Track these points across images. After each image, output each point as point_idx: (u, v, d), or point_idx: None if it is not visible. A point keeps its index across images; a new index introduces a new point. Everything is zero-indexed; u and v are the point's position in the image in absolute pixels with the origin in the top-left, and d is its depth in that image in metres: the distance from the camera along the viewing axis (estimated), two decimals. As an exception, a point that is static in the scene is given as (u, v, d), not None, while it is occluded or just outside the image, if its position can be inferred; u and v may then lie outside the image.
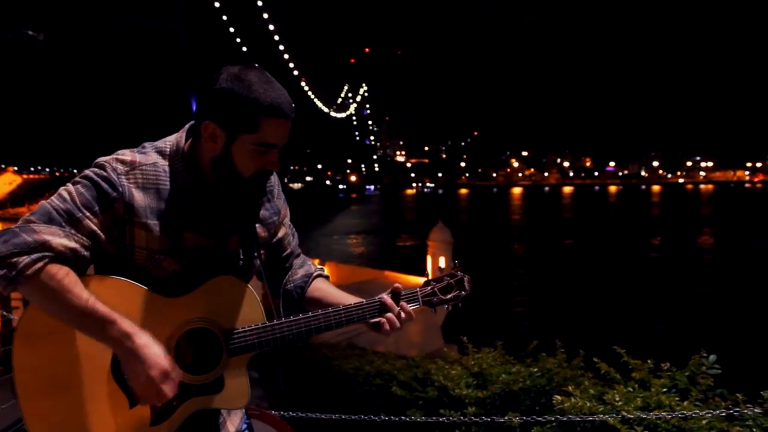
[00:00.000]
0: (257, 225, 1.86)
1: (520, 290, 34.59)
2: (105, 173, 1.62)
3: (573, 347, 3.85)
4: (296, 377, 7.93)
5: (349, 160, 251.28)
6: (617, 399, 2.76)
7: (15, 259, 1.48)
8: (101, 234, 1.60)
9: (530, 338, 4.24)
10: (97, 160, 1.66)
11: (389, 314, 1.85)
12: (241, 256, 1.82)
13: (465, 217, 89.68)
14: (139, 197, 1.63)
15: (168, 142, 1.74)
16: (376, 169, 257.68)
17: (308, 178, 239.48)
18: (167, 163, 1.70)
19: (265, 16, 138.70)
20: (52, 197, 1.60)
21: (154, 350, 1.53)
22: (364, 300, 1.87)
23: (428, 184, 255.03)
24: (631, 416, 2.59)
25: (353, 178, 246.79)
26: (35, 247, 1.50)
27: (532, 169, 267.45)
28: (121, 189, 1.62)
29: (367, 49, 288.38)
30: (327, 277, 2.06)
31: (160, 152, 1.71)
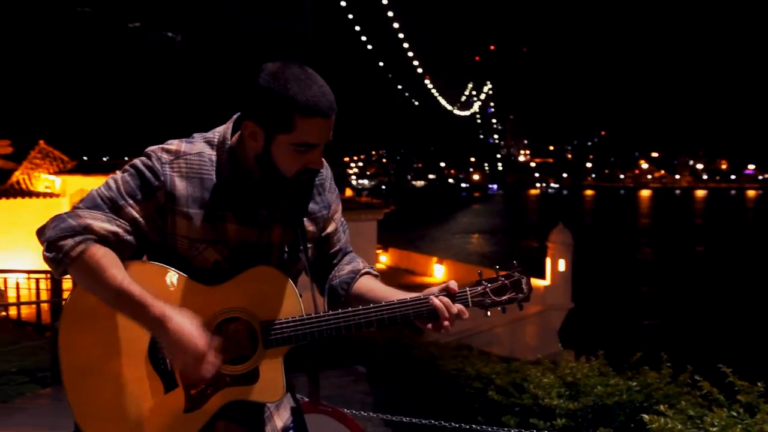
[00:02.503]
0: (305, 219, 1.82)
1: (645, 297, 33.19)
2: (150, 162, 1.65)
3: (685, 362, 3.62)
4: (402, 376, 7.94)
5: (472, 159, 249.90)
6: (714, 424, 2.51)
7: (61, 243, 1.55)
8: (143, 221, 1.64)
9: (645, 349, 4.02)
10: (145, 150, 1.69)
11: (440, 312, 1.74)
12: (286, 249, 1.79)
13: (589, 219, 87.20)
14: (181, 186, 1.65)
15: (217, 132, 1.74)
16: (500, 168, 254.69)
17: (431, 176, 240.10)
18: (214, 153, 1.70)
19: (390, 14, 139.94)
20: (101, 185, 1.66)
21: (189, 330, 1.53)
22: (408, 297, 1.77)
23: (552, 185, 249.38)
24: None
25: (476, 177, 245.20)
26: (79, 230, 1.56)
27: (663, 171, 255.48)
28: (163, 178, 1.64)
29: (492, 47, 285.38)
30: (377, 275, 1.97)
31: (208, 142, 1.72)
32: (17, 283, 13.10)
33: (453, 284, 1.78)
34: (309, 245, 1.84)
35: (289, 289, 1.71)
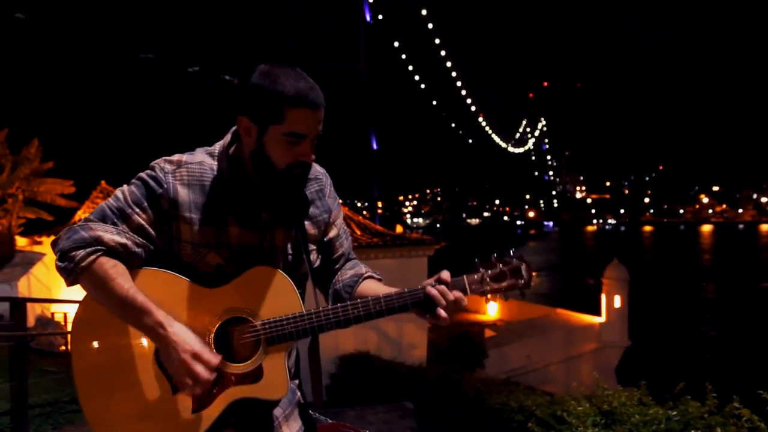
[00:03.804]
0: (306, 222, 1.88)
1: (705, 334, 32.16)
2: (153, 173, 1.75)
3: (734, 394, 3.49)
4: (448, 411, 7.88)
5: (528, 196, 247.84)
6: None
7: (73, 253, 1.66)
8: (150, 229, 1.73)
9: (693, 381, 3.89)
10: (150, 163, 1.79)
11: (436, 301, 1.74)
12: (290, 252, 1.85)
13: (648, 255, 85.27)
14: (183, 193, 1.73)
15: (217, 144, 1.83)
16: (555, 205, 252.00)
17: (486, 214, 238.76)
18: (215, 162, 1.79)
19: (443, 53, 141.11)
20: (110, 198, 1.75)
21: (183, 336, 1.61)
22: (406, 289, 1.78)
23: (610, 221, 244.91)
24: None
25: (531, 214, 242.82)
26: (90, 242, 1.66)
27: (725, 205, 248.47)
28: (166, 186, 1.73)
29: (545, 83, 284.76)
30: (380, 279, 2.00)
31: (209, 153, 1.81)
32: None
33: (445, 273, 1.78)
34: (312, 248, 1.90)
35: (288, 287, 1.76)
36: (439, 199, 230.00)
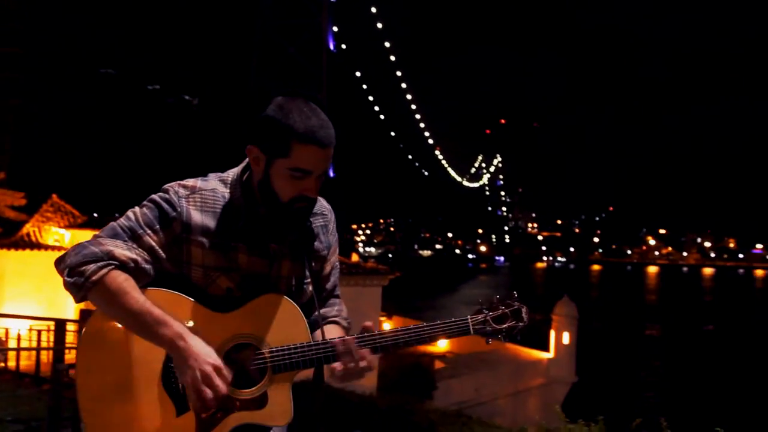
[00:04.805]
0: (311, 255, 1.92)
1: (650, 371, 32.71)
2: (167, 196, 1.78)
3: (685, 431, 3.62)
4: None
5: (480, 230, 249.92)
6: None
7: (83, 268, 1.65)
8: (160, 251, 1.75)
9: (648, 418, 4.00)
10: (163, 186, 1.82)
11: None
12: (293, 283, 1.89)
13: (596, 293, 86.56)
14: (197, 218, 1.77)
15: (231, 172, 1.87)
16: (507, 240, 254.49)
17: (438, 246, 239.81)
18: (227, 190, 1.82)
19: (403, 85, 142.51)
20: (120, 218, 1.77)
21: (203, 349, 1.63)
22: (400, 328, 1.84)
23: (560, 258, 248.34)
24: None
25: (483, 249, 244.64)
26: (101, 256, 1.67)
27: (670, 248, 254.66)
28: (180, 209, 1.76)
29: (503, 120, 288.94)
30: (345, 327, 2.03)
31: (222, 180, 1.85)
32: (18, 335, 13.12)
33: (368, 323, 1.83)
34: (308, 280, 1.93)
35: (297, 316, 1.80)
36: (392, 229, 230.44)
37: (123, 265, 1.69)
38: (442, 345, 23.94)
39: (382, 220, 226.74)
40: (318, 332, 1.87)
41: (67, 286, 1.68)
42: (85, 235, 19.31)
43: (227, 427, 1.73)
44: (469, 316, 1.89)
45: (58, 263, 1.71)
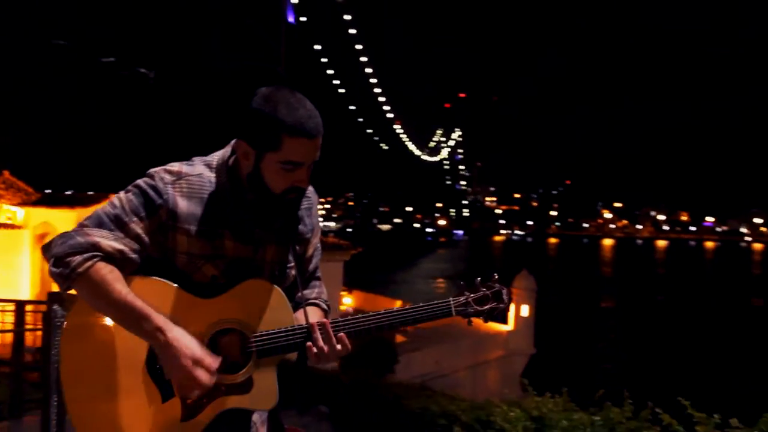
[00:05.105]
0: (295, 239, 1.92)
1: (606, 342, 33.46)
2: (153, 182, 1.74)
3: (646, 400, 3.71)
4: (366, 416, 7.91)
5: (439, 204, 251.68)
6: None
7: (69, 259, 1.63)
8: (146, 238, 1.72)
9: (608, 388, 4.08)
10: (148, 171, 1.78)
11: None
12: (277, 267, 1.88)
13: (553, 266, 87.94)
14: (183, 205, 1.74)
15: (216, 156, 1.84)
16: (466, 214, 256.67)
17: (397, 220, 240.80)
18: (213, 175, 1.80)
19: (363, 59, 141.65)
20: (105, 205, 1.74)
21: (185, 341, 1.62)
22: (382, 311, 1.86)
23: (517, 232, 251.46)
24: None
25: (442, 222, 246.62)
26: (87, 247, 1.64)
27: (625, 221, 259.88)
28: (165, 196, 1.73)
29: (462, 94, 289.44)
30: (325, 310, 2.03)
31: (207, 164, 1.82)
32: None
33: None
34: (291, 264, 1.93)
35: (281, 301, 1.79)
36: (351, 203, 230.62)
37: (108, 257, 1.67)
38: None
39: (341, 195, 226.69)
40: (300, 312, 1.87)
41: (53, 275, 1.66)
42: (40, 212, 19.02)
43: (214, 411, 1.73)
44: (451, 298, 1.91)
45: (45, 251, 1.69)
